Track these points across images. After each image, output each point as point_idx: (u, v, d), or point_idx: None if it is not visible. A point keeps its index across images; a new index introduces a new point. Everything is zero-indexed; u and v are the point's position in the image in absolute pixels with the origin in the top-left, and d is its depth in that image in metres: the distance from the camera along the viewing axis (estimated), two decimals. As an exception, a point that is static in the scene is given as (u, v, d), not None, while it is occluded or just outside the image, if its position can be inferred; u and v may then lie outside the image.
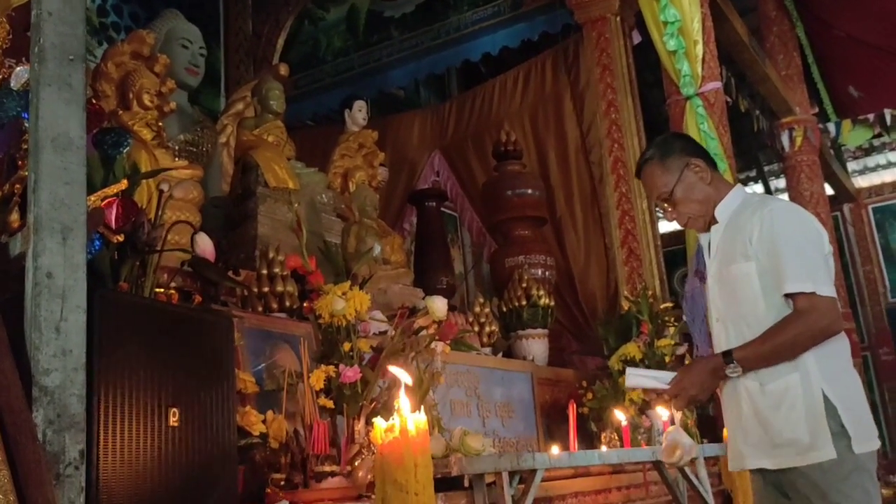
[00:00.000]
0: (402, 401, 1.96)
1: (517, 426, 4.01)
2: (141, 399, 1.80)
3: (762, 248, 2.07)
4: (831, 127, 7.41)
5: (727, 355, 2.06)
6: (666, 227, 9.21)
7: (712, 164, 2.28)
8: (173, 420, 1.89)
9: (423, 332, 2.80)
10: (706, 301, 2.27)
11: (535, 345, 4.55)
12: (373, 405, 2.64)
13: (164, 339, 1.92)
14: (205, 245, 2.57)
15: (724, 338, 2.17)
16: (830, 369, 2.04)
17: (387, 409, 2.35)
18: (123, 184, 2.23)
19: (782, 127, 7.06)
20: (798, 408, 2.03)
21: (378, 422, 1.99)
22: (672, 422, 3.81)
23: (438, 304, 2.66)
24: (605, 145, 5.30)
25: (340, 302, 2.64)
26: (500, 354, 4.24)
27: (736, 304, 2.13)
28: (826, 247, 2.14)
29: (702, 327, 2.33)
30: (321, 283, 2.80)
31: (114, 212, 2.16)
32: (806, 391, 2.02)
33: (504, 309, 4.66)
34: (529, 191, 5.00)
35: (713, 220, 2.20)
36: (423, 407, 2.00)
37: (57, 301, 1.25)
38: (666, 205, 2.23)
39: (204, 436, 1.98)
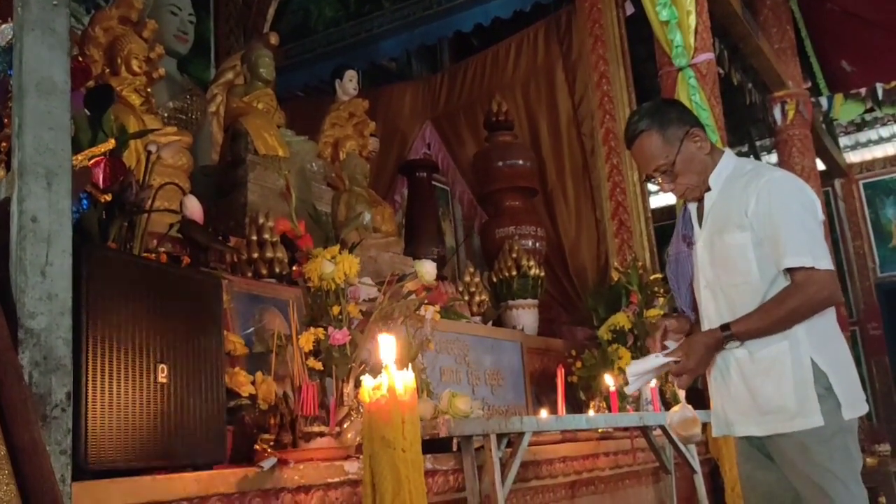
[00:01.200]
0: (389, 359, 1.96)
1: (506, 394, 4.03)
2: (129, 355, 1.80)
3: (759, 220, 2.06)
4: (823, 101, 7.41)
5: (725, 329, 2.06)
6: (657, 202, 9.23)
7: (703, 128, 2.27)
8: (162, 376, 1.90)
9: (413, 297, 2.80)
10: (692, 266, 2.27)
11: (525, 315, 4.57)
12: (361, 368, 2.64)
13: (152, 296, 1.92)
14: (194, 207, 2.55)
15: (714, 306, 2.18)
16: (819, 337, 2.06)
17: (375, 370, 2.36)
18: (111, 143, 2.21)
19: (774, 101, 7.05)
20: (787, 375, 2.05)
21: (366, 380, 1.99)
22: (654, 391, 3.84)
23: (428, 268, 2.66)
24: (597, 117, 5.29)
25: (329, 265, 2.64)
26: (490, 324, 4.25)
27: (728, 274, 2.13)
28: (820, 215, 2.14)
29: (686, 291, 2.34)
30: (310, 246, 2.79)
31: (101, 171, 2.15)
32: (795, 359, 2.04)
33: (494, 279, 4.67)
34: (520, 161, 4.99)
35: (706, 188, 2.20)
36: (410, 365, 2.01)
37: (42, 245, 1.25)
38: (662, 177, 2.19)
39: (192, 393, 1.98)
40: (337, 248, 2.70)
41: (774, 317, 2.03)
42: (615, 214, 5.23)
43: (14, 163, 1.24)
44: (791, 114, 7.02)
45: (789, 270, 2.01)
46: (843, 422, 2.04)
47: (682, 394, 2.23)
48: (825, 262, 2.02)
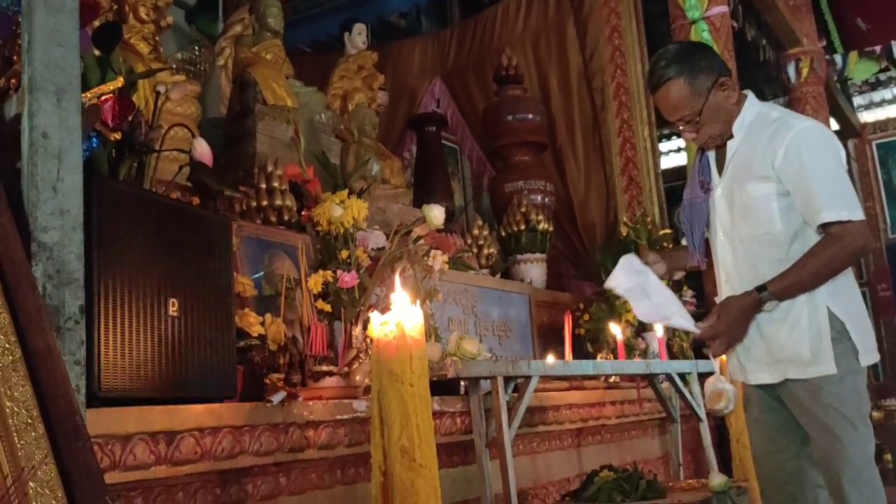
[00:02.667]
0: (399, 295, 1.97)
1: (514, 346, 4.05)
2: (140, 288, 1.82)
3: (788, 173, 2.02)
4: (838, 59, 7.31)
5: (762, 290, 2.02)
6: (668, 162, 9.17)
7: (730, 75, 2.18)
8: (173, 310, 1.91)
9: (421, 242, 2.81)
10: (708, 213, 2.25)
11: (533, 269, 4.58)
12: (370, 311, 2.66)
13: (163, 232, 1.93)
14: (203, 150, 2.55)
15: (731, 256, 2.16)
16: (836, 287, 2.05)
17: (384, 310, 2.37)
18: (119, 81, 2.21)
19: (789, 58, 6.97)
20: (802, 324, 2.05)
21: (374, 316, 2.01)
22: (661, 342, 3.85)
23: (436, 213, 2.66)
24: (608, 72, 5.25)
25: (338, 209, 2.65)
26: (498, 276, 4.26)
27: (748, 224, 2.10)
28: (845, 163, 2.12)
29: (700, 236, 2.32)
30: (319, 191, 2.80)
31: (110, 109, 2.15)
32: (811, 308, 2.04)
33: (503, 234, 4.67)
34: (530, 115, 4.96)
35: (729, 136, 2.14)
36: (418, 303, 2.02)
37: (53, 161, 1.26)
38: (685, 126, 2.14)
39: (203, 328, 2.00)
40: (345, 192, 2.71)
41: (811, 270, 2.00)
42: (625, 170, 5.21)
43: (24, 79, 1.24)
44: (805, 71, 6.94)
45: (824, 225, 1.99)
46: (855, 365, 2.04)
47: (716, 363, 2.19)
48: (858, 213, 2.01)
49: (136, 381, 1.77)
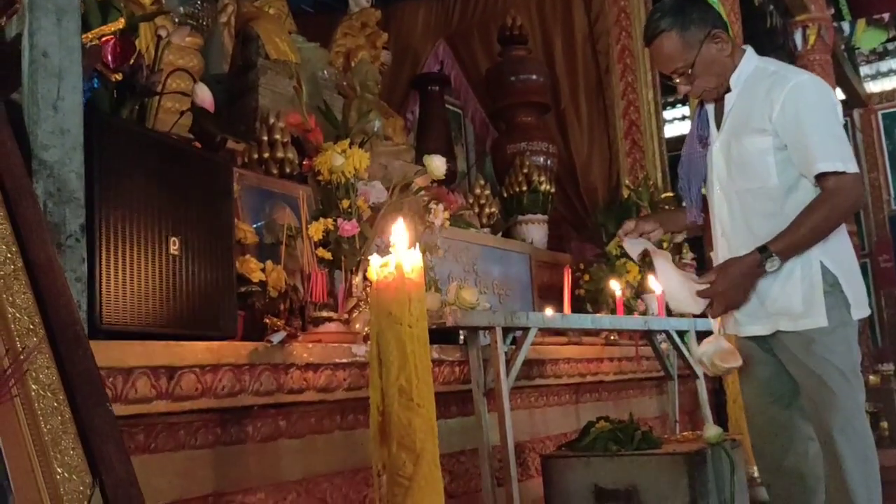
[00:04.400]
0: (398, 237, 1.98)
1: (513, 305, 4.07)
2: (142, 224, 1.83)
3: (785, 126, 2.03)
4: (845, 27, 7.25)
5: (763, 250, 2.04)
6: (671, 130, 9.13)
7: (726, 28, 2.19)
8: (174, 248, 1.93)
9: (422, 193, 2.81)
10: (706, 167, 2.26)
11: (535, 230, 4.58)
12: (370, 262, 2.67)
13: (164, 171, 1.94)
14: (204, 95, 2.55)
15: (727, 210, 2.17)
16: (828, 241, 2.07)
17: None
18: (121, 22, 2.21)
19: (796, 25, 6.90)
20: (795, 277, 2.07)
21: (374, 259, 2.02)
22: (660, 300, 3.87)
23: (437, 163, 2.66)
24: (613, 34, 5.21)
25: (340, 158, 2.65)
26: (499, 236, 4.27)
27: (744, 178, 2.11)
28: (841, 118, 2.13)
29: (697, 192, 2.33)
30: (320, 141, 2.80)
31: (111, 49, 2.14)
32: (804, 262, 2.06)
33: (505, 195, 4.67)
34: (534, 76, 4.94)
35: (726, 89, 2.15)
36: (417, 245, 2.03)
37: (53, 80, 1.27)
38: (679, 79, 2.15)
39: (204, 268, 2.02)
40: (347, 142, 2.71)
41: (810, 226, 2.02)
42: (628, 133, 5.19)
43: (24, -2, 1.25)
44: (812, 39, 6.88)
45: (819, 176, 2.00)
46: (846, 317, 2.07)
47: (716, 324, 2.20)
48: (853, 165, 2.02)
49: (136, 315, 1.79)
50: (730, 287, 2.08)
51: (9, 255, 0.97)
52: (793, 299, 2.07)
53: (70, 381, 0.94)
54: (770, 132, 2.05)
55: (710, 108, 2.23)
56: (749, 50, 2.19)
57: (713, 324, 2.27)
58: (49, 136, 1.24)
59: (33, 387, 0.88)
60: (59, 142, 1.26)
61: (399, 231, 1.97)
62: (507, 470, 2.58)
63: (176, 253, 1.93)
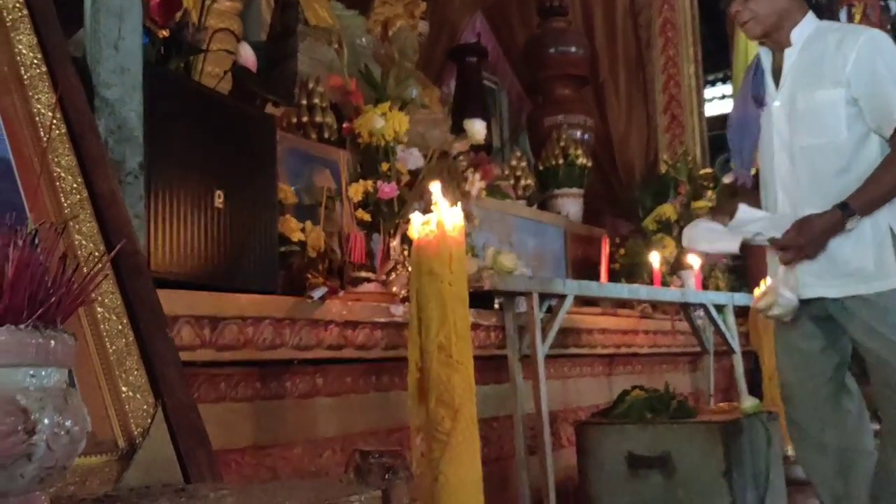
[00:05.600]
0: (439, 196, 1.98)
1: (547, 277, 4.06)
2: (187, 175, 1.85)
3: (859, 77, 2.01)
4: (893, 6, 7.07)
5: (844, 207, 2.01)
6: (712, 109, 8.98)
7: None
8: (218, 202, 1.94)
9: (461, 158, 2.81)
10: (759, 129, 2.20)
11: (570, 204, 4.55)
12: (409, 226, 2.68)
13: (210, 124, 1.95)
14: (248, 55, 2.56)
15: (788, 168, 2.13)
16: (893, 203, 2.04)
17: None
18: (167, -21, 2.22)
19: (841, 3, 6.75)
20: (866, 239, 2.05)
21: (415, 216, 2.02)
22: (698, 275, 3.82)
23: (477, 127, 2.66)
24: (655, 6, 5.13)
25: (380, 120, 2.65)
26: (535, 208, 4.26)
27: (811, 133, 2.08)
28: None
29: (749, 154, 2.28)
30: (361, 103, 2.80)
31: (158, 5, 2.16)
32: (874, 224, 2.04)
33: (540, 168, 4.64)
34: (573, 49, 4.88)
35: (787, 43, 2.12)
36: (459, 205, 2.03)
37: (114, 20, 1.28)
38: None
39: (247, 223, 2.04)
40: (388, 104, 2.71)
41: (890, 182, 2.00)
42: (668, 108, 5.13)
43: (87, -59, 1.26)
44: (858, 17, 6.72)
45: None
46: None
47: (781, 269, 2.14)
48: None
49: (181, 264, 1.81)
50: (809, 242, 2.06)
51: (75, 186, 0.98)
52: (865, 260, 2.05)
53: (132, 307, 0.95)
54: (843, 84, 2.03)
55: (766, 66, 2.20)
56: (811, 13, 2.16)
57: (780, 270, 2.18)
58: (110, 74, 1.26)
59: (99, 310, 0.90)
60: (119, 80, 1.28)
61: (441, 189, 1.97)
62: (541, 437, 2.59)
63: (220, 206, 1.95)
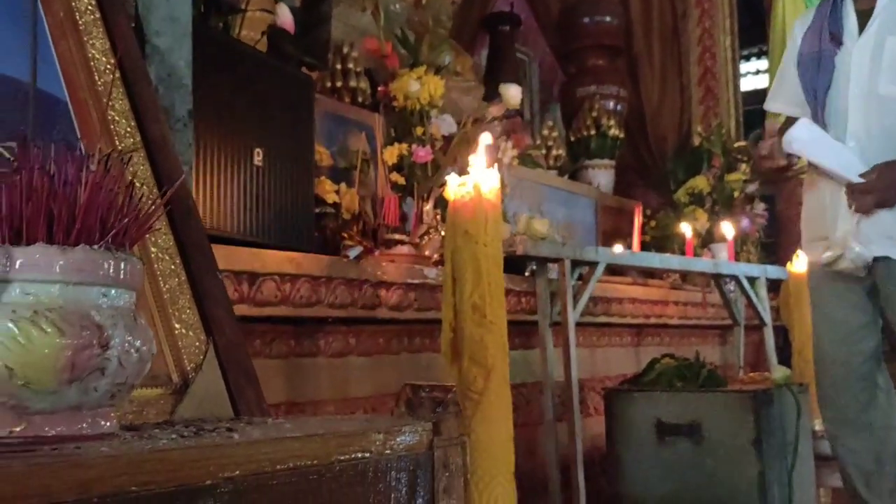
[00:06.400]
0: (478, 158, 1.99)
1: (578, 247, 4.05)
2: (228, 131, 1.87)
3: None
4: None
5: None
6: (746, 85, 8.83)
7: None
8: (257, 160, 1.96)
9: (496, 123, 2.81)
10: (837, 69, 2.09)
11: (601, 175, 4.53)
12: (442, 190, 2.69)
13: (250, 82, 1.97)
14: (286, 17, 2.57)
15: (863, 116, 2.04)
16: None
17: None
18: (206, -62, 2.22)
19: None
20: None
21: (451, 177, 2.03)
22: (731, 245, 3.79)
23: (513, 92, 2.65)
24: (691, -24, 5.06)
25: (416, 84, 2.65)
26: (566, 178, 4.24)
27: None
28: None
29: (823, 96, 2.12)
30: (396, 67, 2.80)
31: (198, -38, 2.17)
32: None
33: (572, 139, 4.62)
34: (608, 18, 4.83)
35: None
36: (496, 166, 2.03)
37: (162, -32, 1.30)
38: None
39: (285, 181, 2.06)
40: (423, 68, 2.71)
41: None
42: (702, 80, 5.07)
43: None
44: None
45: None
46: None
47: (852, 220, 2.04)
48: None
49: (221, 219, 1.84)
50: (890, 187, 1.98)
51: (128, 129, 1.01)
52: None
53: (184, 249, 0.98)
54: None
55: (849, 3, 2.10)
56: None
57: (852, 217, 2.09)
58: (161, 22, 1.28)
59: (152, 249, 0.92)
60: (169, 29, 1.29)
61: (479, 151, 1.97)
62: (570, 404, 2.61)
63: (259, 164, 1.97)
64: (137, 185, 0.88)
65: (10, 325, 0.57)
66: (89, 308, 0.61)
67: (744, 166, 4.39)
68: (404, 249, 2.43)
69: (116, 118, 1.02)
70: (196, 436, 0.62)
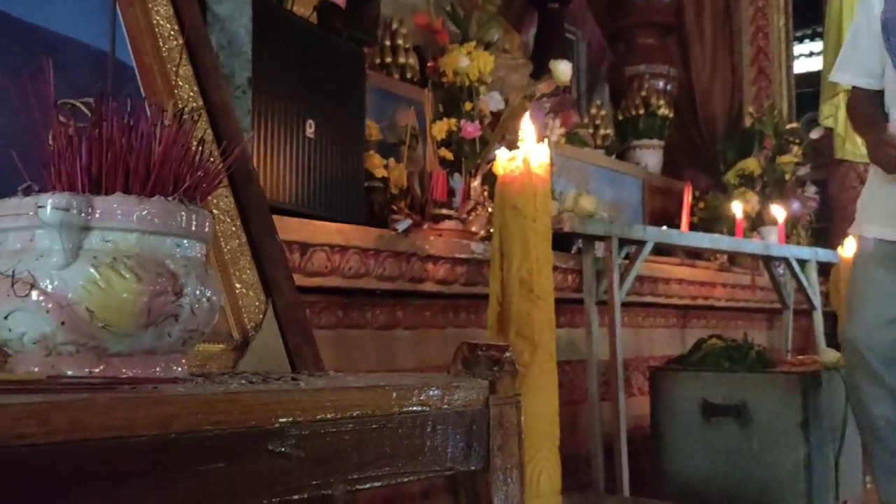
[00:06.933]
0: (527, 131, 1.99)
1: (624, 227, 4.02)
2: (282, 102, 1.89)
3: None
4: None
5: None
6: (800, 67, 8.61)
7: None
8: (309, 131, 1.99)
9: (545, 100, 2.79)
10: None
11: (650, 155, 4.49)
12: (489, 166, 2.69)
13: (304, 54, 1.99)
14: (337, -9, 2.59)
15: None
16: None
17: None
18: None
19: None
20: None
21: (501, 152, 2.03)
22: (781, 228, 3.73)
23: (563, 67, 2.63)
24: (745, -47, 4.95)
25: (465, 60, 2.65)
26: (613, 157, 4.21)
27: None
28: None
29: None
30: (447, 42, 2.80)
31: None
32: None
33: (620, 118, 4.58)
34: (659, -5, 4.76)
35: None
36: (546, 141, 2.03)
37: (221, -65, 1.32)
38: None
39: (335, 154, 2.08)
40: (473, 44, 2.70)
41: None
42: (755, 60, 4.97)
43: None
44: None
45: None
46: None
47: None
48: None
49: (274, 189, 1.87)
50: None
51: (191, 94, 1.03)
52: None
53: (244, 211, 1.00)
54: None
55: None
56: None
57: None
58: (220, -10, 1.30)
59: (214, 211, 0.95)
60: (229, -5, 1.32)
61: (529, 125, 1.97)
62: (614, 382, 2.60)
63: (311, 136, 1.99)
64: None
65: (92, 270, 0.60)
66: (164, 257, 0.63)
67: (795, 148, 4.31)
68: (451, 225, 2.45)
69: (180, 83, 1.05)
70: (264, 383, 0.64)
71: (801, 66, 8.42)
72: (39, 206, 0.59)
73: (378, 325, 2.28)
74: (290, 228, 1.88)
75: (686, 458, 2.51)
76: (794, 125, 4.58)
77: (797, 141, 4.38)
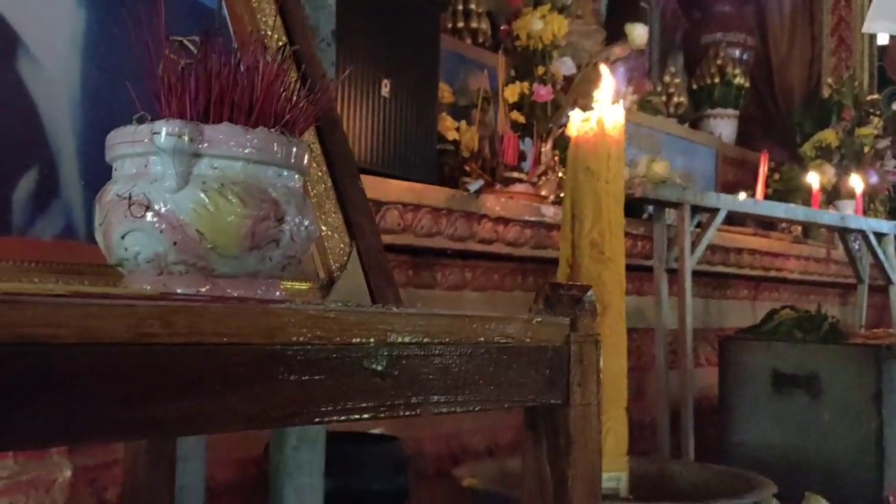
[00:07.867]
0: (605, 90, 1.97)
1: (695, 198, 3.96)
2: (359, 62, 1.92)
3: None
4: None
5: None
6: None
7: None
8: (385, 91, 2.02)
9: (618, 63, 2.76)
10: None
11: (724, 125, 4.39)
12: (561, 131, 2.68)
13: (380, 12, 2.01)
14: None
15: None
16: None
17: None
18: None
19: None
20: None
21: (574, 113, 2.02)
22: (859, 199, 3.62)
23: (639, 31, 2.59)
24: (829, -83, 4.76)
25: (539, 23, 2.63)
26: (686, 126, 4.14)
27: None
28: None
29: None
30: (519, 5, 2.79)
31: None
32: None
33: (694, 87, 4.48)
34: (737, -39, 4.63)
35: None
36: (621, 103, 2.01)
37: None
38: None
39: (410, 114, 2.11)
40: (548, 7, 2.68)
41: None
42: (835, 30, 4.80)
43: None
44: None
45: None
46: None
47: None
48: None
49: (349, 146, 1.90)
50: None
51: (280, 44, 1.06)
52: None
53: (330, 158, 1.03)
54: None
55: None
56: None
57: None
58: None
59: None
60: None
61: (607, 84, 1.96)
62: (682, 351, 2.58)
63: (386, 95, 2.02)
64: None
65: (202, 194, 0.63)
66: (266, 185, 0.67)
67: (876, 120, 4.16)
68: (521, 188, 2.45)
69: (269, 33, 1.08)
70: (358, 307, 0.67)
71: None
72: (154, 133, 0.63)
73: (447, 286, 2.31)
74: (365, 186, 1.92)
75: (754, 428, 2.48)
76: (875, 97, 4.42)
77: (878, 112, 4.23)
